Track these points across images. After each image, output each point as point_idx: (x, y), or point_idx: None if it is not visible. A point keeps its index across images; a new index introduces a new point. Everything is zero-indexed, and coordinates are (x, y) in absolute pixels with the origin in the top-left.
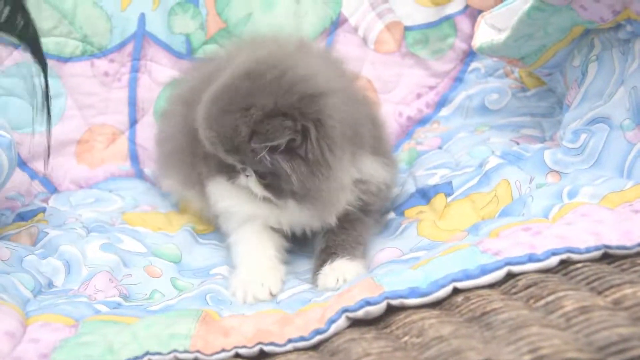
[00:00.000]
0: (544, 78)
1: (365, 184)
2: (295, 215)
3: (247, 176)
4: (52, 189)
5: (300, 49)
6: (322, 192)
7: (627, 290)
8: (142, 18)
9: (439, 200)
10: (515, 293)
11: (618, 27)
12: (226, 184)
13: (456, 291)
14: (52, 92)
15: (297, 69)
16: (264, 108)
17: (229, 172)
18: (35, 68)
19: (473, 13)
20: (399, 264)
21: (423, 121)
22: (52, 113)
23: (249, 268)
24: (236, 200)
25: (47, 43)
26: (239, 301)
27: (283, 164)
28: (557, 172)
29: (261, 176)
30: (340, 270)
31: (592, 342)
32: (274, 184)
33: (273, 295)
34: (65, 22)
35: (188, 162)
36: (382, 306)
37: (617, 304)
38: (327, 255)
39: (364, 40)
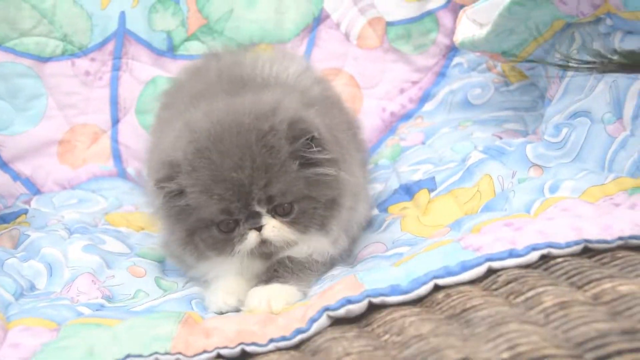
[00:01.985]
0: (526, 72)
1: None
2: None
3: (260, 227)
4: (34, 190)
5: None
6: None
7: (607, 285)
8: (122, 16)
9: (422, 195)
10: (495, 289)
11: (598, 20)
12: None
13: (437, 288)
14: (32, 92)
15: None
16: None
17: (226, 242)
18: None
19: (455, 8)
20: (382, 260)
21: (406, 116)
22: (33, 113)
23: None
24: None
25: (28, 43)
26: (214, 311)
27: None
28: (539, 166)
29: (285, 213)
30: (268, 294)
31: (570, 338)
32: (301, 214)
33: (241, 301)
34: (45, 22)
35: None
36: (363, 304)
37: (596, 299)
38: (268, 275)
39: (347, 36)
